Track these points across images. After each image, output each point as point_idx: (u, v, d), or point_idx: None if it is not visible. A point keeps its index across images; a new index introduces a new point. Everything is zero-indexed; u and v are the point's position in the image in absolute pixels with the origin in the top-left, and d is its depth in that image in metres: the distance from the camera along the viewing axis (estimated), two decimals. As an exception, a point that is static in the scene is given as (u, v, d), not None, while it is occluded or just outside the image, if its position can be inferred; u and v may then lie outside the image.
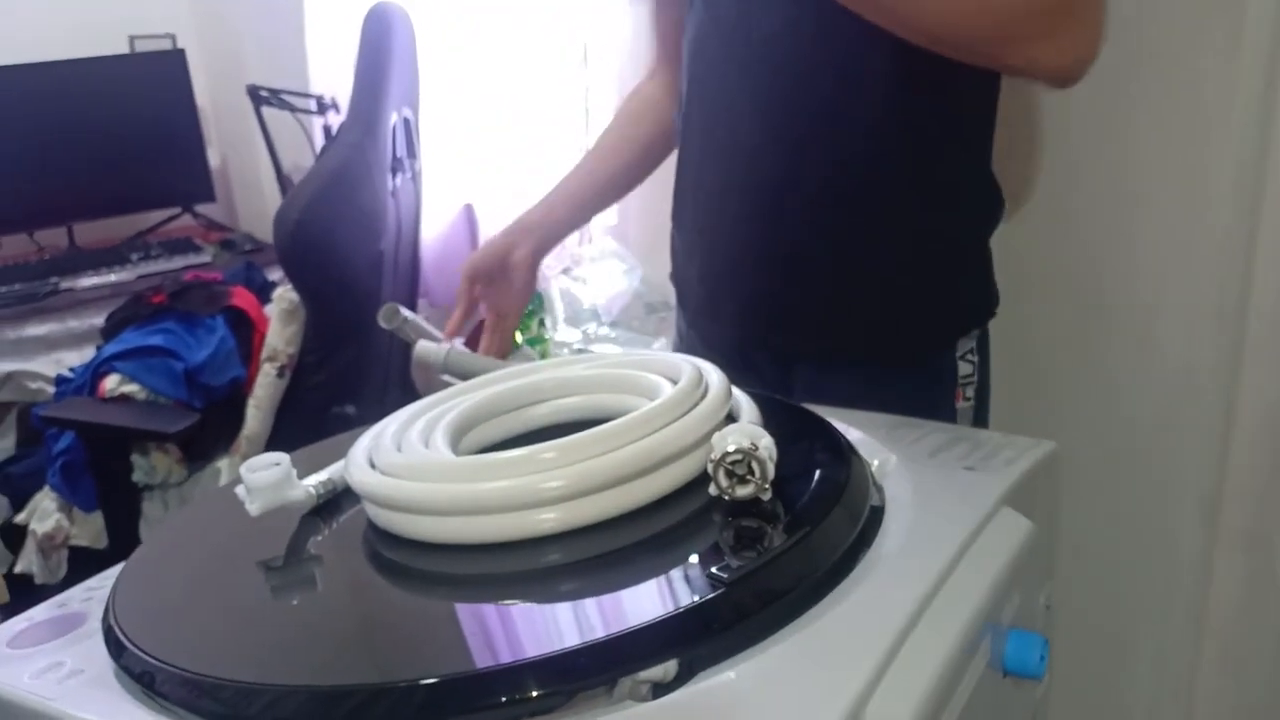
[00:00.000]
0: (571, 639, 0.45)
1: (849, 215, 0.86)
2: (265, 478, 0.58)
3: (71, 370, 1.89)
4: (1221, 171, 1.08)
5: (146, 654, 0.49)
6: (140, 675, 0.49)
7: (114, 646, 0.51)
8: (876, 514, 0.56)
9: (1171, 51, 1.08)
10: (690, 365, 0.63)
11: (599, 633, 0.45)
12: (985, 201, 0.92)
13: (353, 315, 1.69)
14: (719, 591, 0.46)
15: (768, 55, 0.85)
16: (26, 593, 1.74)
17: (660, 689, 0.43)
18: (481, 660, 0.44)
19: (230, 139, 2.64)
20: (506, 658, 0.44)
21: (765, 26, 0.84)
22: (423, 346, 0.88)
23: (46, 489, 1.78)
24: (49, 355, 2.08)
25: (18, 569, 1.79)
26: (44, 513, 1.78)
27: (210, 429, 1.74)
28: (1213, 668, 1.25)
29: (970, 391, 0.92)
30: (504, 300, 1.03)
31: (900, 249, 0.87)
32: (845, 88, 0.83)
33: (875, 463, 0.63)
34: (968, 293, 0.93)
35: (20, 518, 1.80)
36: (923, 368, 0.90)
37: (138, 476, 1.74)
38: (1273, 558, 1.17)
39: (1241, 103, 1.04)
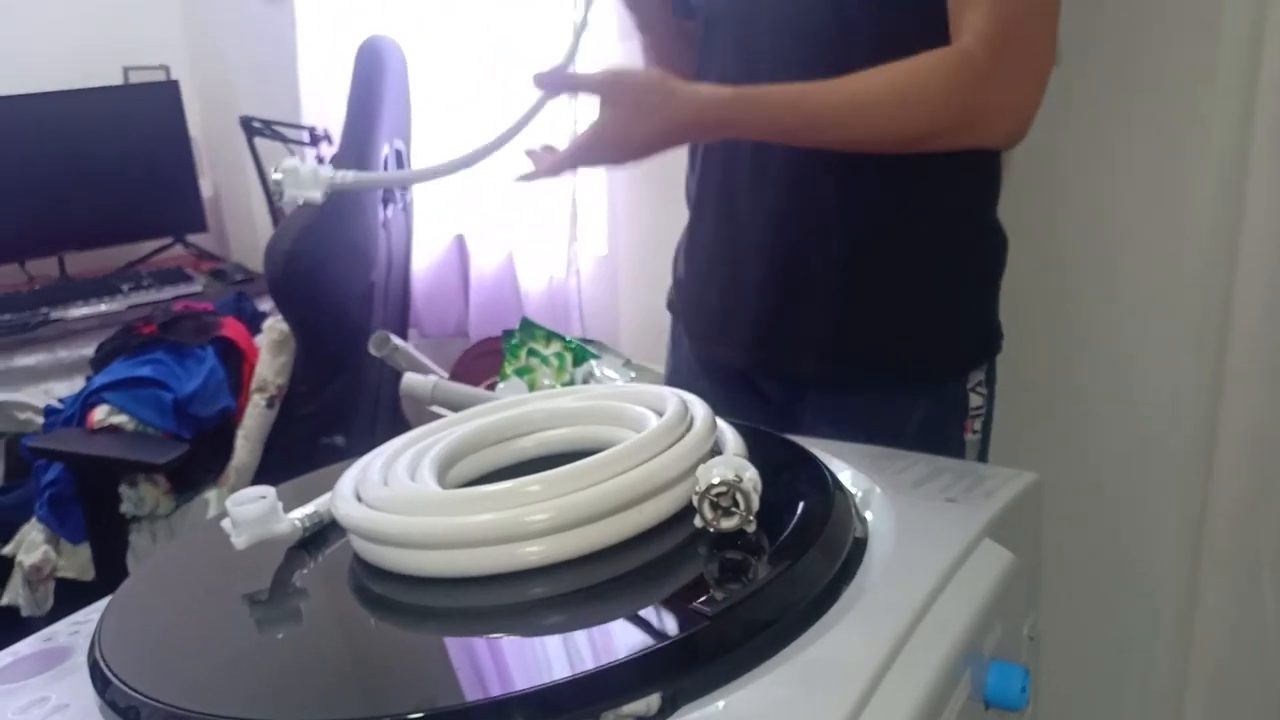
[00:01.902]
0: (555, 673, 0.45)
1: (870, 242, 0.88)
2: (251, 511, 0.58)
3: (60, 401, 1.88)
4: (1200, 201, 1.09)
5: (132, 689, 0.49)
6: (125, 710, 0.49)
7: (99, 681, 0.51)
8: (859, 545, 0.56)
9: (1149, 84, 1.09)
10: (675, 398, 0.63)
11: (583, 667, 0.45)
12: (997, 236, 0.93)
13: (343, 346, 1.69)
14: (702, 625, 0.46)
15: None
16: (13, 626, 1.73)
17: (643, 723, 0.43)
18: (466, 694, 0.45)
19: (223, 169, 2.65)
20: (491, 692, 0.44)
21: (793, 57, 0.87)
22: (410, 378, 0.88)
23: (34, 520, 1.77)
24: (38, 386, 2.08)
25: (4, 601, 1.78)
26: (31, 544, 1.77)
27: (199, 460, 1.74)
28: (1200, 691, 1.25)
29: (978, 424, 0.93)
30: None
31: (919, 277, 0.89)
32: None
33: (859, 494, 0.63)
34: (980, 324, 0.94)
35: (7, 550, 1.79)
36: (935, 397, 0.90)
37: (126, 508, 1.73)
38: (1258, 580, 1.18)
39: (1218, 133, 1.06)
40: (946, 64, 0.77)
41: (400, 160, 1.88)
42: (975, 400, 0.92)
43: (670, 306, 1.08)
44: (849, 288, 0.89)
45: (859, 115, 0.79)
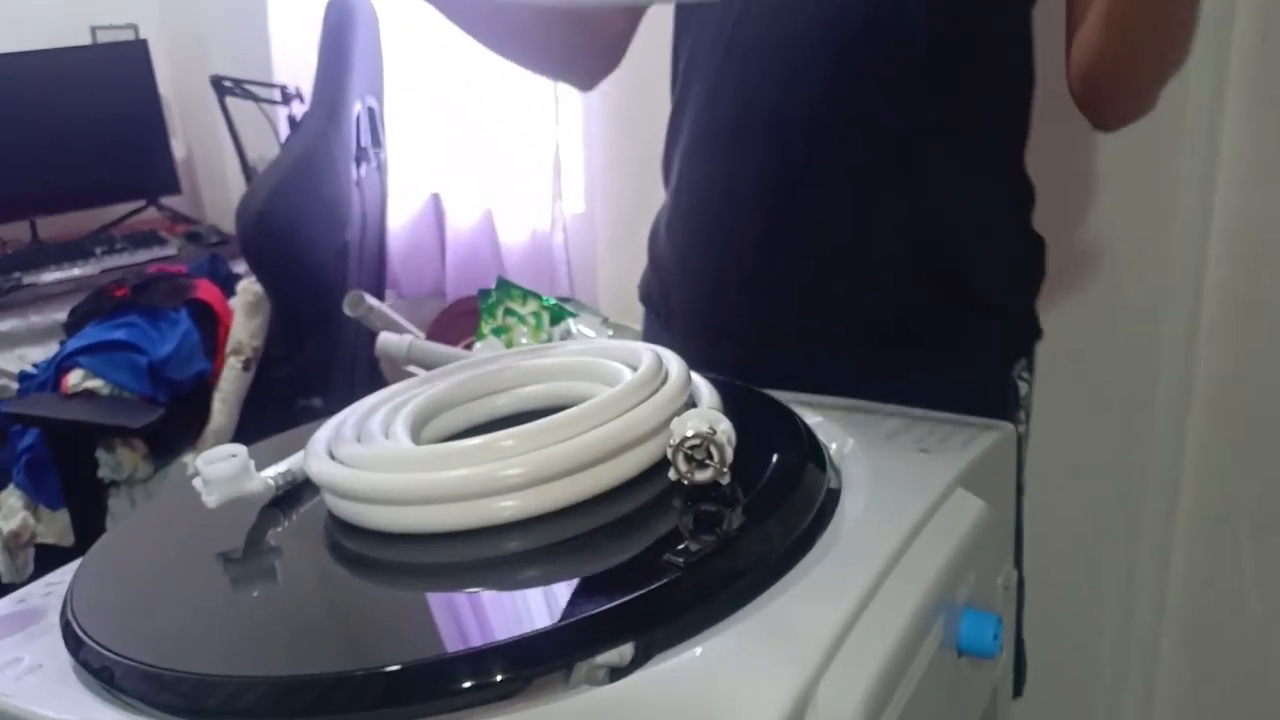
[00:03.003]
0: (530, 625, 0.45)
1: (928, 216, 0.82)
2: (222, 470, 0.58)
3: (35, 366, 1.87)
4: (1179, 159, 1.10)
5: (105, 648, 0.49)
6: (99, 670, 0.48)
7: (72, 641, 0.51)
8: (833, 496, 0.56)
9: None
10: (650, 352, 0.63)
11: (556, 618, 0.45)
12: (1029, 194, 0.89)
13: (318, 307, 1.68)
14: (675, 575, 0.46)
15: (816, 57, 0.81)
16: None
17: (617, 672, 0.43)
18: (438, 648, 0.45)
19: (195, 130, 2.62)
20: (463, 645, 0.44)
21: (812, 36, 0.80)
22: (384, 338, 0.87)
23: (11, 486, 1.76)
24: (12, 351, 2.06)
25: (-16, 569, 1.78)
26: (9, 510, 1.76)
27: (176, 424, 1.73)
28: (1175, 647, 1.27)
29: (1023, 415, 0.88)
30: None
31: (968, 267, 0.83)
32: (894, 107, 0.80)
33: (833, 446, 0.63)
34: (1027, 308, 0.89)
35: (-16, 516, 1.79)
36: (984, 386, 0.84)
37: (103, 473, 1.72)
38: (1234, 537, 1.19)
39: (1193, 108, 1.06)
40: None
41: (373, 117, 1.85)
42: (1022, 388, 0.87)
43: (645, 298, 0.99)
44: (903, 268, 0.83)
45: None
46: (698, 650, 0.44)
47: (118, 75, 2.45)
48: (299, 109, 2.22)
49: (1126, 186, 1.15)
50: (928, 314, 0.83)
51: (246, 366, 1.68)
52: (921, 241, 0.82)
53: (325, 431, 0.61)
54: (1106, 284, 1.18)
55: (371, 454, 0.56)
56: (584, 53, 0.97)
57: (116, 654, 0.48)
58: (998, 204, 0.85)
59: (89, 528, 1.72)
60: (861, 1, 0.78)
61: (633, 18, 0.97)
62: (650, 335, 0.97)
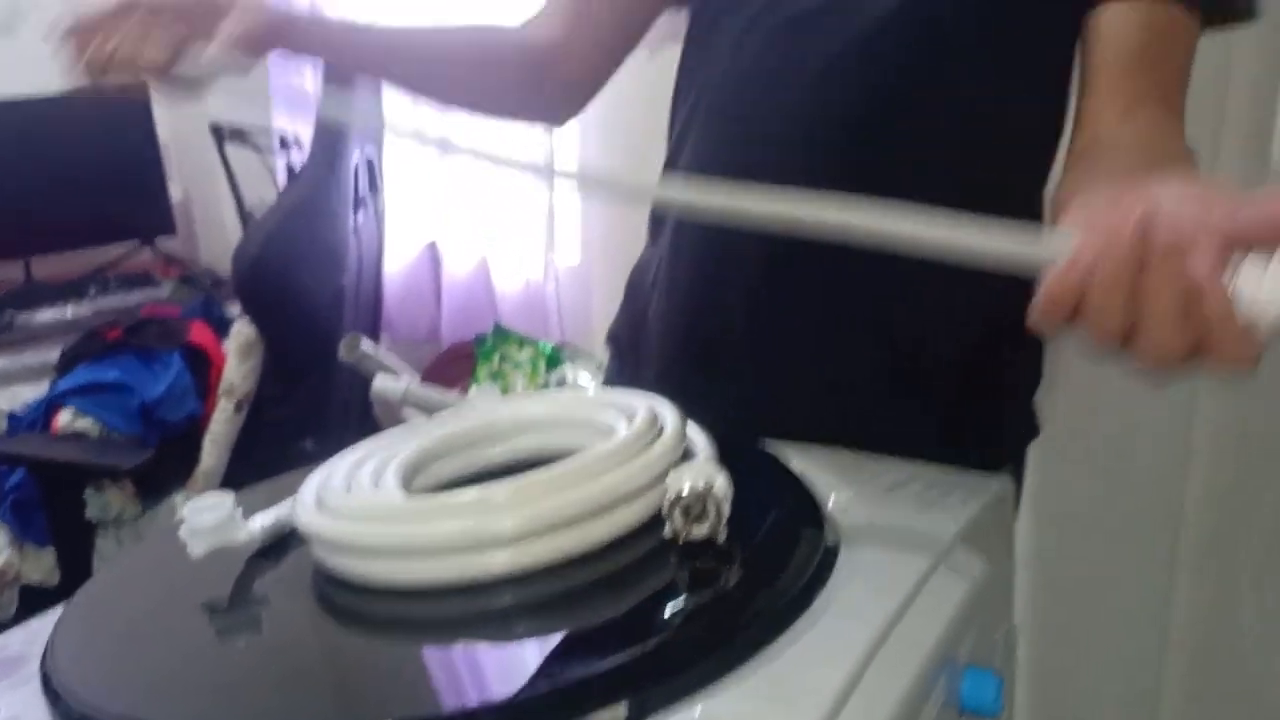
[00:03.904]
0: (521, 684, 0.44)
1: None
2: (209, 519, 0.57)
3: (25, 405, 1.86)
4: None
5: (84, 702, 0.48)
6: (76, 723, 0.47)
7: (51, 694, 0.50)
8: (831, 553, 0.55)
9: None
10: (645, 403, 0.62)
11: (549, 677, 0.44)
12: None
13: (312, 350, 1.67)
14: (670, 633, 0.45)
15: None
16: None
17: (610, 734, 0.42)
18: (429, 707, 0.44)
19: (192, 174, 2.63)
20: (453, 704, 0.43)
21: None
22: (380, 382, 0.87)
23: (-3, 525, 1.74)
24: (3, 390, 2.05)
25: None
26: (-6, 550, 1.74)
27: (165, 465, 1.71)
28: (1179, 672, 1.26)
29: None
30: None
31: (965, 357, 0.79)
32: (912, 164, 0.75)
33: (831, 500, 0.62)
34: (1025, 412, 0.84)
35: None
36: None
37: (91, 513, 1.71)
38: (1235, 584, 1.18)
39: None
40: None
41: (371, 167, 1.86)
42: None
43: (613, 339, 0.95)
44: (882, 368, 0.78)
45: None
46: (694, 711, 0.43)
47: (118, 121, 2.47)
48: (297, 156, 2.24)
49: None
50: (911, 419, 0.78)
51: (238, 408, 1.67)
52: (913, 339, 0.77)
53: (315, 480, 0.60)
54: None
55: (360, 505, 0.55)
56: (541, 98, 0.93)
57: (95, 708, 0.47)
58: (1004, 295, 0.82)
59: (75, 568, 1.70)
60: (868, 74, 0.74)
61: (606, 60, 0.93)
62: (614, 378, 0.93)
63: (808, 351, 0.78)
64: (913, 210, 0.48)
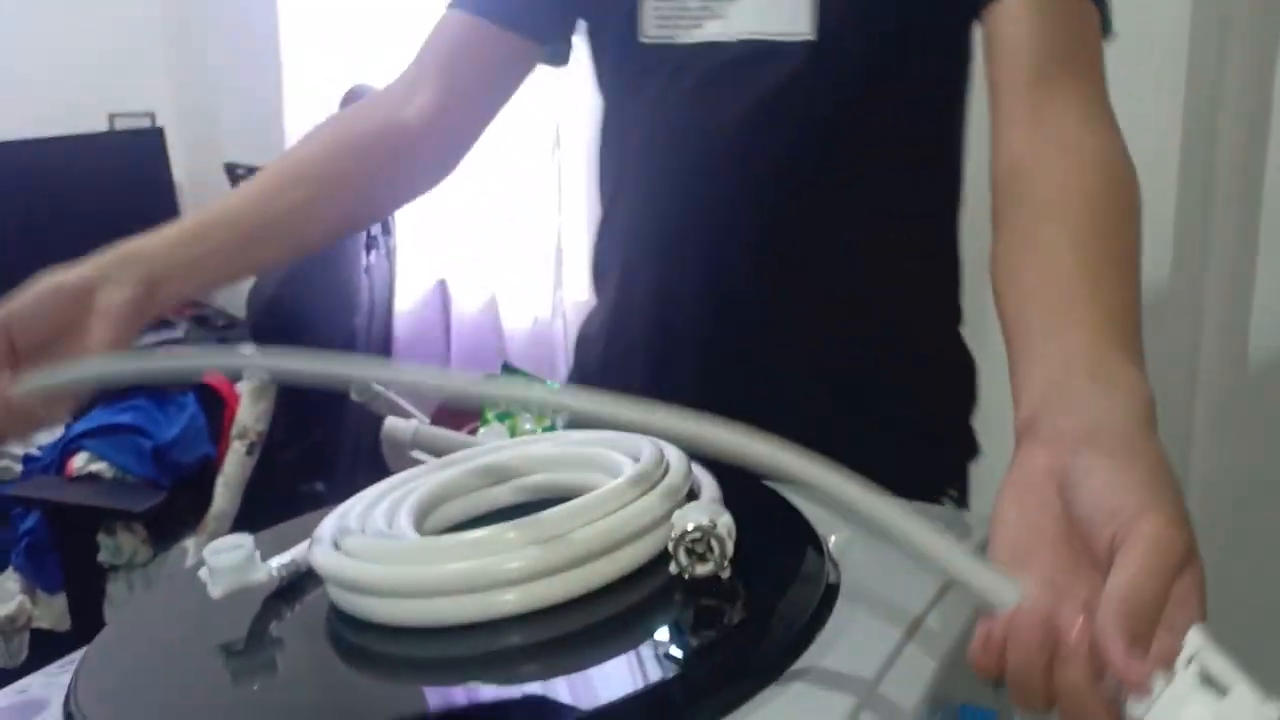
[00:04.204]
0: (529, 721, 0.45)
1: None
2: (228, 560, 0.58)
3: (40, 448, 1.87)
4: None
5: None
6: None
7: (72, 734, 0.51)
8: (832, 591, 0.57)
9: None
10: (651, 443, 0.64)
11: (555, 715, 0.45)
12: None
13: (324, 392, 1.69)
14: (675, 672, 0.46)
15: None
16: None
17: (616, 772, 0.43)
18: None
19: (206, 215, 2.66)
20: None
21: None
22: (391, 423, 0.88)
23: (10, 569, 1.76)
24: (18, 433, 2.06)
25: (-20, 652, 1.76)
26: (6, 594, 1.76)
27: (178, 507, 1.73)
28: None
29: None
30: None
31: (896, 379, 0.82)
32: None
33: (833, 539, 0.64)
34: (963, 433, 0.87)
35: None
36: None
37: (103, 557, 1.72)
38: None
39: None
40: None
41: (383, 207, 1.89)
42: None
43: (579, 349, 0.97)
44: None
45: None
46: (697, 749, 0.44)
47: (134, 161, 2.51)
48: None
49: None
50: (854, 442, 0.80)
51: (250, 450, 1.69)
52: (853, 362, 0.81)
53: (330, 521, 0.61)
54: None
55: (374, 545, 0.57)
56: (413, 176, 0.89)
57: (116, 747, 0.48)
58: (930, 323, 0.85)
59: (87, 612, 1.72)
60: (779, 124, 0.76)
61: (477, 127, 0.90)
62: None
63: (751, 385, 0.81)
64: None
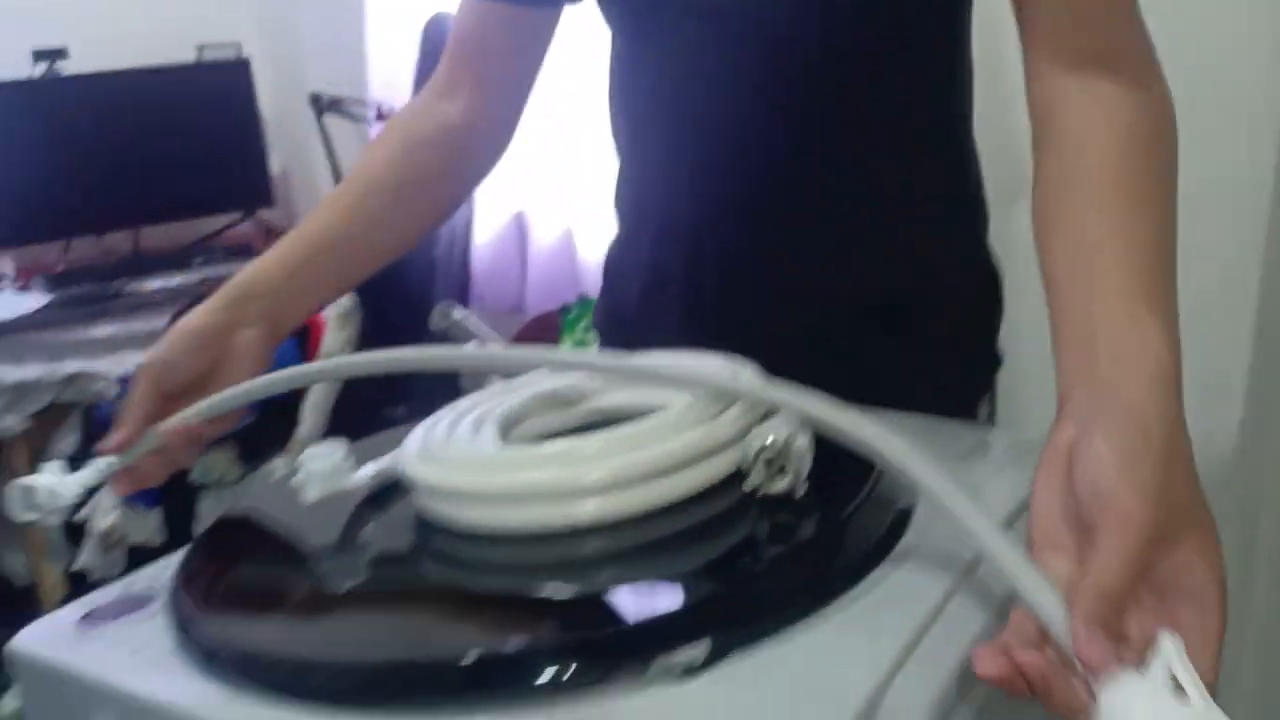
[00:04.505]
0: (607, 622, 0.47)
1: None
2: (323, 465, 0.61)
3: (136, 370, 1.94)
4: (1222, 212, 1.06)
5: (209, 631, 0.52)
6: (204, 651, 0.51)
7: (179, 625, 0.54)
8: (905, 514, 0.57)
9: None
10: (728, 363, 0.65)
11: (634, 617, 0.47)
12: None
13: (405, 320, 1.73)
14: (749, 579, 0.48)
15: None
16: (85, 590, 1.80)
17: (691, 669, 0.45)
18: (521, 642, 0.47)
19: (290, 146, 2.71)
20: (545, 640, 0.46)
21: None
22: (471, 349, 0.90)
23: (107, 487, 1.83)
24: (113, 356, 2.15)
25: (77, 565, 1.85)
26: (104, 510, 1.84)
27: (266, 430, 1.79)
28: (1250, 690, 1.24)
29: None
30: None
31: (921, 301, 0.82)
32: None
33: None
34: (987, 346, 0.86)
35: (81, 515, 1.86)
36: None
37: (195, 475, 1.79)
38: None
39: None
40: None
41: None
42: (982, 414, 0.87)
43: (597, 325, 0.98)
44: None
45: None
46: (769, 652, 0.46)
47: (220, 92, 2.55)
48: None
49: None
50: (879, 356, 0.81)
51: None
52: (874, 274, 0.81)
53: (418, 432, 0.63)
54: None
55: (460, 455, 0.59)
56: (471, 171, 0.91)
57: (220, 636, 0.51)
58: (957, 237, 0.84)
59: (179, 528, 1.79)
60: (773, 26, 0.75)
61: (518, 109, 0.91)
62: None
63: (779, 303, 0.81)
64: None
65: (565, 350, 0.75)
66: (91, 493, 0.69)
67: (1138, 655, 0.41)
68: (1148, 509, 0.44)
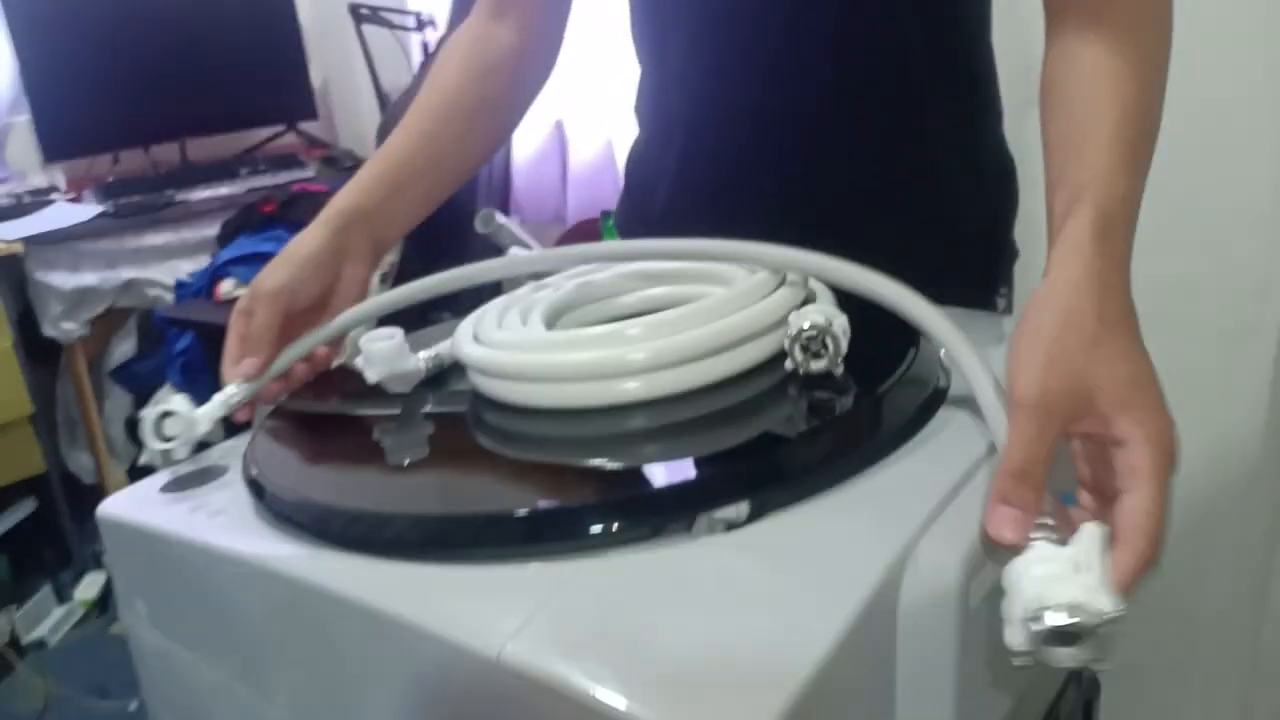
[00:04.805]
0: (656, 484, 0.50)
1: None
2: (383, 348, 0.64)
3: (190, 275, 2.00)
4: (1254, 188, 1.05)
5: (281, 496, 0.56)
6: (280, 512, 0.56)
7: (255, 488, 0.59)
8: (940, 393, 0.60)
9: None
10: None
11: (680, 478, 0.50)
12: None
13: (449, 227, 1.75)
14: (788, 443, 0.51)
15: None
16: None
17: (733, 526, 0.48)
18: (576, 500, 0.50)
19: (330, 58, 2.72)
20: (590, 498, 0.50)
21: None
22: (514, 252, 0.93)
23: (168, 385, 1.90)
24: (166, 263, 2.20)
25: (143, 460, 1.92)
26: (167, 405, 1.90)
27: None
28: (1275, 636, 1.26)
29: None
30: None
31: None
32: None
33: (945, 349, 0.66)
34: (1004, 237, 0.89)
35: (143, 413, 1.93)
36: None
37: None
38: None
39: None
40: None
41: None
42: (1000, 305, 0.89)
43: (619, 229, 0.99)
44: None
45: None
46: (807, 509, 0.49)
47: (262, 4, 2.56)
48: (432, 36, 2.29)
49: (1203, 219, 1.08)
50: (901, 247, 0.82)
51: (384, 280, 1.78)
52: (898, 170, 0.82)
53: (471, 319, 0.66)
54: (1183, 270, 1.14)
55: (512, 338, 0.62)
56: (531, 87, 0.94)
57: (292, 500, 0.55)
58: (970, 122, 0.85)
59: (234, 427, 1.85)
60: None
61: (562, 22, 0.94)
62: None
63: (827, 193, 0.82)
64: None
65: (635, 240, 0.76)
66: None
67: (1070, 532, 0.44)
68: (1034, 386, 0.47)
